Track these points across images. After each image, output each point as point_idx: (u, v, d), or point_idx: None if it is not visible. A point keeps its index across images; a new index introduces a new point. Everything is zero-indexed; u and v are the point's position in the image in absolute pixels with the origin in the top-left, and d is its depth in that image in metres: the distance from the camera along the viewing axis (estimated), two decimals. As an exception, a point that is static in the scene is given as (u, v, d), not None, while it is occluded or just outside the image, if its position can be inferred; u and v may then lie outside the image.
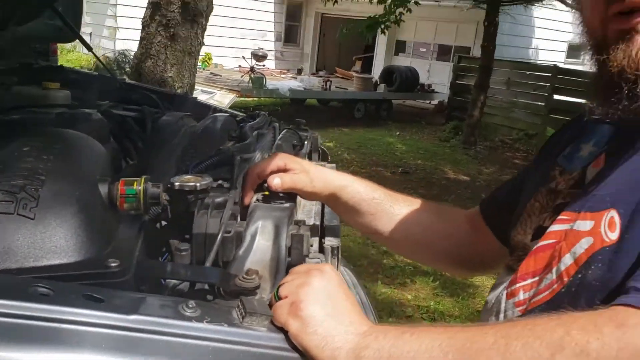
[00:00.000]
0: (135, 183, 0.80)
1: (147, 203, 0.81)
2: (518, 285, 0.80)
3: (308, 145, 1.34)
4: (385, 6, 9.75)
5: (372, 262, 4.81)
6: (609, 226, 0.68)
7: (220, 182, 0.94)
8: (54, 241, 0.68)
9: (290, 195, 0.95)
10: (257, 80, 10.80)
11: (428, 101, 14.13)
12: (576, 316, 0.58)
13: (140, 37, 3.31)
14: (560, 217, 0.77)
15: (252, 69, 11.25)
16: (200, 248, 0.83)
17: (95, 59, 2.04)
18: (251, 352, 0.63)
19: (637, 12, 0.71)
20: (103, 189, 0.79)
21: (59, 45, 5.66)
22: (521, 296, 0.79)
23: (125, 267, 0.69)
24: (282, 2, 17.38)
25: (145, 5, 3.35)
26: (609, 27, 0.73)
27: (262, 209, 0.87)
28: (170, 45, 3.21)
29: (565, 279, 0.71)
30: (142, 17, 3.32)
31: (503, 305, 0.81)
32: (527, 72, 11.68)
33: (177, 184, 0.85)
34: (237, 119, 1.36)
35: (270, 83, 11.48)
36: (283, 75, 14.29)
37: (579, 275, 0.69)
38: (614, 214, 0.68)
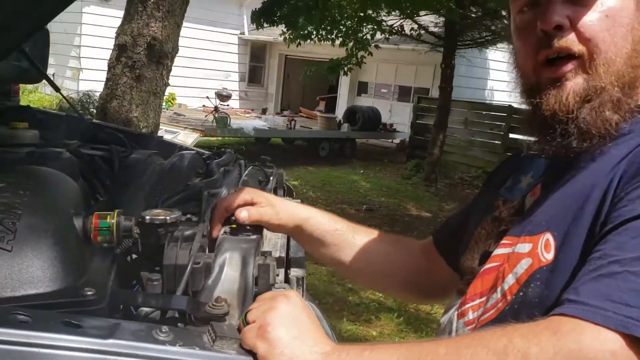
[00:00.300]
0: (108, 217, 0.84)
1: (120, 236, 0.85)
2: (467, 305, 0.86)
3: (273, 182, 1.40)
4: (347, 49, 10.05)
5: (337, 300, 4.83)
6: (545, 247, 0.76)
7: (188, 216, 0.99)
8: (31, 272, 0.71)
9: (257, 228, 1.00)
10: (221, 120, 10.87)
11: (390, 140, 14.44)
12: (517, 327, 0.64)
13: (106, 78, 3.35)
14: (503, 241, 0.85)
15: (216, 108, 11.33)
16: (171, 278, 0.87)
17: (62, 99, 2.07)
18: (220, 374, 0.67)
19: (565, 60, 0.81)
20: (78, 222, 0.83)
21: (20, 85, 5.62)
22: (470, 315, 0.85)
23: (100, 295, 0.72)
24: (246, 43, 17.67)
25: (110, 47, 3.41)
26: (542, 75, 0.83)
27: (230, 241, 0.92)
28: (136, 86, 3.25)
29: (509, 297, 0.78)
30: (106, 58, 3.36)
31: (454, 325, 0.88)
32: (484, 112, 12.11)
33: (147, 217, 0.89)
34: (204, 156, 1.42)
35: (235, 122, 11.56)
36: (247, 115, 14.41)
37: (521, 294, 0.76)
38: (549, 236, 0.76)
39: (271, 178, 1.41)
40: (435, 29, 11.46)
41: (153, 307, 0.80)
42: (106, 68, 3.16)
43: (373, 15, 9.82)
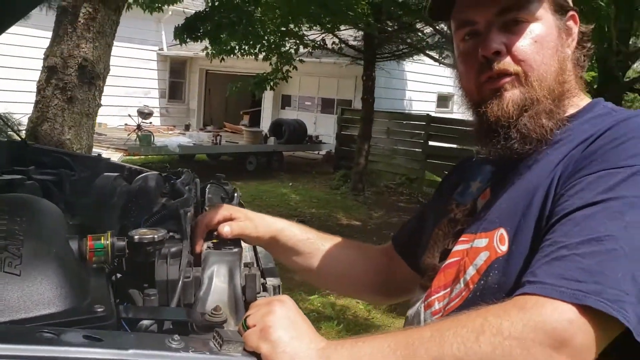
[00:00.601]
0: (102, 238, 0.89)
1: (114, 256, 0.90)
2: (433, 297, 0.98)
3: (237, 198, 1.47)
4: (270, 63, 10.18)
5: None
6: (500, 241, 0.89)
7: (171, 234, 1.04)
8: (41, 293, 0.75)
9: (236, 242, 1.07)
10: (145, 138, 10.66)
11: (316, 152, 14.67)
12: (489, 308, 0.76)
13: (36, 100, 3.25)
14: (460, 239, 0.97)
15: (139, 126, 11.09)
16: (163, 293, 0.92)
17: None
18: (230, 375, 0.74)
19: (503, 75, 0.95)
20: (74, 244, 0.87)
21: None
22: (437, 306, 0.97)
23: (109, 311, 0.77)
24: (165, 59, 17.39)
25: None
26: (483, 88, 0.97)
27: (215, 255, 0.99)
28: (68, 107, 3.19)
29: (471, 286, 0.90)
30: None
31: (422, 316, 0.99)
32: (404, 122, 12.59)
33: (136, 237, 0.95)
34: (163, 175, 1.46)
35: (159, 140, 11.36)
36: (170, 132, 14.17)
37: (482, 282, 0.89)
38: (502, 231, 0.89)
39: (235, 195, 1.48)
40: (355, 43, 11.83)
41: (163, 318, 0.85)
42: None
43: (295, 29, 10.02)
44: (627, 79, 8.43)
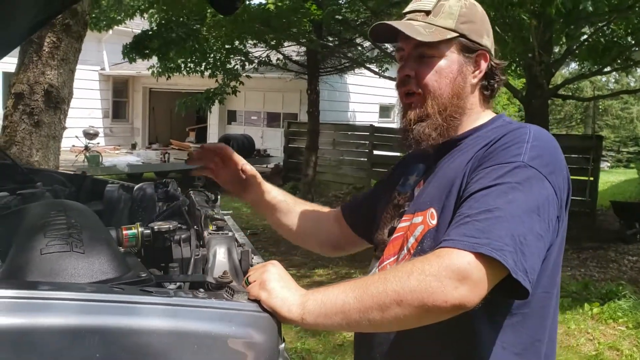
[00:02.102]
0: (133, 227, 1.18)
1: (143, 241, 1.19)
2: (385, 262, 1.31)
3: (219, 202, 1.78)
4: (216, 80, 10.42)
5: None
6: (430, 217, 1.23)
7: (179, 225, 1.34)
8: (101, 265, 1.03)
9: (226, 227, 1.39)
10: (94, 158, 10.67)
11: (265, 165, 14.88)
12: (419, 258, 1.10)
13: (3, 125, 3.43)
14: (403, 218, 1.31)
15: (86, 147, 11.07)
16: (180, 267, 1.23)
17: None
18: (242, 313, 1.05)
19: (412, 95, 1.30)
20: (112, 233, 1.16)
21: None
22: (388, 268, 1.30)
23: (149, 276, 1.07)
24: (107, 79, 17.28)
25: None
26: (403, 99, 1.32)
27: (216, 238, 1.30)
28: (35, 131, 3.38)
29: (412, 251, 1.24)
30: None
31: None
32: (349, 133, 13.03)
33: (156, 227, 1.24)
34: (157, 185, 1.75)
35: (107, 160, 11.36)
36: (117, 152, 14.11)
37: (419, 247, 1.23)
38: (432, 210, 1.24)
39: (218, 198, 1.79)
40: (299, 58, 12.21)
41: (189, 281, 1.15)
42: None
43: (240, 47, 10.31)
44: (552, 86, 9.10)
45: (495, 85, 1.36)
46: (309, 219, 1.61)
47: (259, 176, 1.60)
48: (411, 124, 1.28)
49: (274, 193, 1.60)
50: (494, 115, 1.36)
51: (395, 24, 1.27)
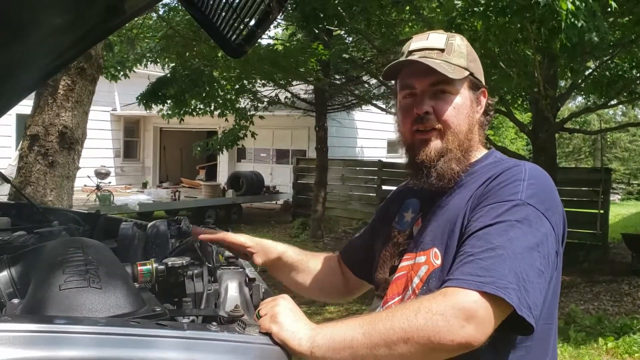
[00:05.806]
0: (148, 263, 1.22)
1: (157, 276, 1.23)
2: (390, 302, 1.33)
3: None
4: (226, 119, 10.61)
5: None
6: (434, 257, 1.26)
7: (191, 260, 1.38)
8: (117, 300, 1.07)
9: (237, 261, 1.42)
10: (105, 198, 10.78)
11: (274, 202, 14.97)
12: (425, 296, 1.12)
13: (19, 166, 3.51)
14: (404, 257, 1.34)
15: (98, 187, 11.21)
16: (192, 301, 1.26)
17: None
18: (253, 346, 1.07)
19: (430, 130, 1.34)
20: (128, 269, 1.19)
21: None
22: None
23: (164, 311, 1.10)
24: (118, 119, 17.60)
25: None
26: (415, 137, 1.35)
27: (228, 273, 1.33)
28: (49, 171, 3.46)
29: (417, 292, 1.26)
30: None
31: None
32: (357, 168, 13.11)
33: (169, 263, 1.28)
34: (171, 222, 1.79)
35: (118, 199, 11.47)
36: (128, 191, 14.26)
37: (424, 288, 1.25)
38: (436, 250, 1.26)
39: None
40: (306, 96, 12.41)
41: (201, 315, 1.18)
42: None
43: (249, 87, 10.51)
44: (558, 120, 9.14)
45: (487, 122, 1.41)
46: (321, 272, 1.62)
47: (269, 243, 1.60)
48: (434, 159, 1.30)
49: (290, 253, 1.60)
50: (486, 151, 1.40)
51: (429, 62, 1.29)
